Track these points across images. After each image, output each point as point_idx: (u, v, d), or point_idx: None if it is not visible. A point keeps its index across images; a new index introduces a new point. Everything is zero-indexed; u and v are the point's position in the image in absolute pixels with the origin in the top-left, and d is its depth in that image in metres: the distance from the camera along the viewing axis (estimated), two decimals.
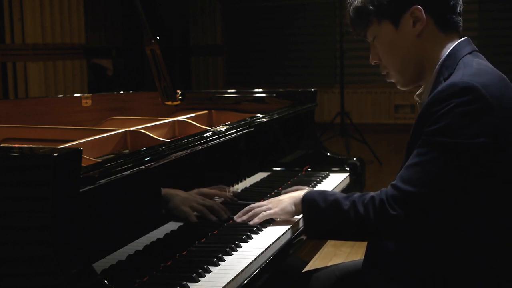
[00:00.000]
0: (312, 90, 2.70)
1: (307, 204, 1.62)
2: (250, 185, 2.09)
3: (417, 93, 1.64)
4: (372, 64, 1.67)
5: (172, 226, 1.60)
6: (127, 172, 1.40)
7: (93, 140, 1.83)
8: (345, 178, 2.40)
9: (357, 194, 1.52)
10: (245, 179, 2.06)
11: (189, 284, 1.34)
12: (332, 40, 8.82)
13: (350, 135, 6.58)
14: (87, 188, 1.27)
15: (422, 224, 1.42)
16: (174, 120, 2.25)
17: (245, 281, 1.42)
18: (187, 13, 9.57)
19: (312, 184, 2.24)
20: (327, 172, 2.43)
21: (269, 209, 1.76)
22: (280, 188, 2.17)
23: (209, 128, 2.01)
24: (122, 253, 1.39)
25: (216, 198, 1.82)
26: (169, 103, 2.35)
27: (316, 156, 2.61)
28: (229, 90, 2.86)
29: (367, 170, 3.19)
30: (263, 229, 1.72)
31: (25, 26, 5.96)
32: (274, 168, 2.34)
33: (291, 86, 7.50)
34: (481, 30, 8.21)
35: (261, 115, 2.23)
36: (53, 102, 2.54)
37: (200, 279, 1.38)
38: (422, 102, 1.56)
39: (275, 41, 9.20)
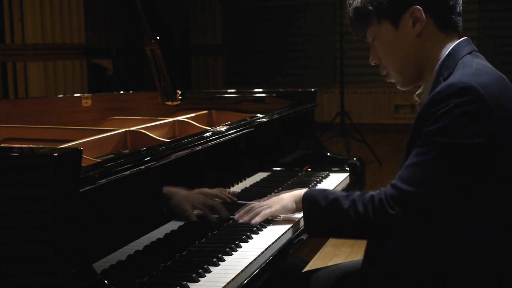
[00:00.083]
0: (312, 90, 2.70)
1: (307, 202, 1.63)
2: (250, 185, 2.09)
3: (416, 93, 1.64)
4: (372, 64, 1.67)
5: (172, 226, 1.60)
6: (127, 172, 1.40)
7: (93, 140, 1.83)
8: (345, 178, 2.40)
9: (357, 193, 1.53)
10: (245, 179, 2.06)
11: (189, 284, 1.34)
12: (332, 40, 8.82)
13: (350, 135, 6.58)
14: (87, 188, 1.27)
15: (421, 224, 1.42)
16: (174, 120, 2.25)
17: (245, 281, 1.42)
18: (187, 13, 9.57)
19: (312, 184, 2.24)
20: (327, 172, 2.43)
21: (270, 207, 1.76)
22: (280, 188, 2.17)
23: (209, 128, 2.02)
24: (122, 253, 1.39)
25: (216, 199, 1.82)
26: (169, 103, 2.35)
27: (316, 156, 2.61)
28: (229, 90, 2.86)
29: (367, 170, 3.19)
30: (263, 229, 1.72)
31: (25, 26, 5.96)
32: (274, 168, 2.34)
33: (291, 86, 7.49)
34: (481, 30, 8.21)
35: (261, 115, 2.23)
36: (53, 102, 2.54)
37: (200, 279, 1.38)
38: (422, 102, 1.56)
39: (275, 41, 9.20)
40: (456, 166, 1.36)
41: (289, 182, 2.28)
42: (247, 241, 1.63)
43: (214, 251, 1.53)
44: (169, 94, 2.32)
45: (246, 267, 1.46)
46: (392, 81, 1.64)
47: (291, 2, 9.10)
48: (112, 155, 1.86)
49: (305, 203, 1.64)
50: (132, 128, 1.97)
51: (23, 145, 1.62)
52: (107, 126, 2.21)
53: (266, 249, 1.58)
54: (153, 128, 2.11)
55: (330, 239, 3.10)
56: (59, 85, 6.26)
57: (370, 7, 1.56)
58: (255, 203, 1.82)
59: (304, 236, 1.75)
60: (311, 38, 9.05)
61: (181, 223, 1.64)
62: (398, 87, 1.66)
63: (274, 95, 2.72)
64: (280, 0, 9.15)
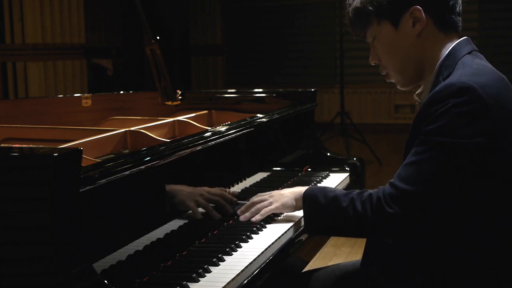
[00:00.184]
0: (312, 90, 2.70)
1: (308, 200, 1.63)
2: (250, 185, 2.09)
3: (416, 92, 1.64)
4: (372, 64, 1.67)
5: (172, 226, 1.60)
6: (127, 172, 1.40)
7: (93, 140, 1.83)
8: (345, 178, 2.40)
9: (356, 191, 1.54)
10: (245, 179, 2.06)
11: (189, 284, 1.34)
12: (332, 40, 8.82)
13: (350, 135, 6.58)
14: (87, 188, 1.27)
15: (419, 223, 1.42)
16: (174, 120, 2.25)
17: (245, 281, 1.42)
18: (187, 13, 9.57)
19: (312, 184, 2.24)
20: (327, 172, 2.43)
21: (271, 204, 1.76)
22: (280, 188, 2.16)
23: (209, 128, 2.02)
24: (122, 253, 1.39)
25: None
26: (169, 103, 2.35)
27: (316, 156, 2.61)
28: (229, 90, 2.86)
29: (367, 170, 3.19)
30: (263, 229, 1.72)
31: (25, 26, 5.96)
32: (274, 168, 2.34)
33: (291, 86, 7.50)
34: (481, 30, 8.21)
35: (261, 115, 2.23)
36: (53, 102, 2.54)
37: (200, 279, 1.38)
38: (422, 102, 1.57)
39: (275, 41, 9.20)
40: (454, 165, 1.37)
41: (289, 182, 2.28)
42: (247, 241, 1.63)
43: (214, 251, 1.53)
44: (169, 94, 2.32)
45: (246, 267, 1.46)
46: (392, 81, 1.65)
47: (291, 2, 9.10)
48: (112, 155, 1.86)
49: (305, 201, 1.64)
50: (132, 128, 1.97)
51: (23, 145, 1.62)
52: (107, 126, 2.21)
53: (266, 249, 1.58)
54: (153, 128, 2.11)
55: (330, 239, 3.10)
56: (59, 85, 6.26)
57: (370, 7, 1.56)
58: (256, 199, 1.82)
59: (303, 237, 1.75)
60: (311, 38, 9.05)
61: (181, 223, 1.64)
62: (398, 87, 1.66)
63: (274, 95, 2.72)
64: (280, 0, 9.15)
